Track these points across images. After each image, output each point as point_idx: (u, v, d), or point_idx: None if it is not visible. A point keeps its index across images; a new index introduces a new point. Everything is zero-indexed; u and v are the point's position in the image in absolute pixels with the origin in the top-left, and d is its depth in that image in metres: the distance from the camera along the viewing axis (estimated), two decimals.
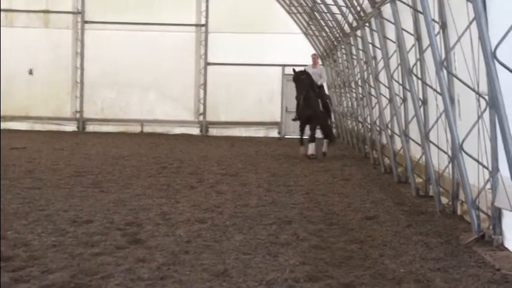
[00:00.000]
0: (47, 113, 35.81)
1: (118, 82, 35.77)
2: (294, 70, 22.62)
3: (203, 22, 36.01)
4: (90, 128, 36.11)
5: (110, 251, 8.92)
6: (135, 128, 35.97)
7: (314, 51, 28.37)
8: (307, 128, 22.79)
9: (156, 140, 30.67)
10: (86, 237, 9.73)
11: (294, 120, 23.43)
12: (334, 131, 27.88)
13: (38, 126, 35.37)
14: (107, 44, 35.39)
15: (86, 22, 35.90)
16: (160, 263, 8.36)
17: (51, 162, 19.88)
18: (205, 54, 36.05)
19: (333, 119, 26.23)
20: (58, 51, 35.73)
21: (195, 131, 36.11)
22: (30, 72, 35.80)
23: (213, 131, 36.11)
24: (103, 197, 13.61)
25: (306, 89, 22.07)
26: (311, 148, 22.37)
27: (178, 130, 35.87)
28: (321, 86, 23.50)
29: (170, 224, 10.96)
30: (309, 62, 23.89)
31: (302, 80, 22.12)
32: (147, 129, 36.00)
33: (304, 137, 23.00)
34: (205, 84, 36.10)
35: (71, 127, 35.93)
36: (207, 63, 36.04)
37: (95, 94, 36.02)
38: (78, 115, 36.12)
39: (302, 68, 22.70)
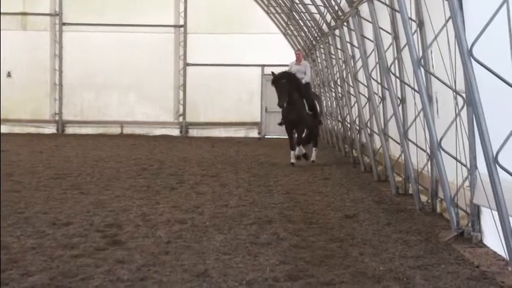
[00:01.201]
0: (25, 115, 35.62)
1: (97, 84, 35.62)
2: (272, 73, 20.73)
3: (182, 23, 35.94)
4: (70, 130, 35.95)
5: (89, 253, 8.90)
6: (115, 130, 35.85)
7: (297, 49, 25.97)
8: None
9: (135, 142, 30.59)
10: (65, 239, 9.70)
11: (280, 124, 21.53)
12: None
13: (17, 129, 35.14)
14: (86, 46, 35.23)
15: (64, 24, 35.73)
16: (140, 264, 8.35)
17: (30, 165, 19.78)
18: (184, 55, 35.98)
19: (322, 121, 23.86)
20: (36, 54, 35.54)
21: (175, 132, 36.05)
22: (9, 75, 35.59)
23: (193, 132, 36.06)
24: (82, 199, 13.57)
25: (287, 93, 20.11)
26: (298, 151, 20.73)
27: (158, 131, 35.78)
28: (307, 84, 21.29)
29: (150, 225, 10.94)
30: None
31: (282, 84, 20.17)
32: (127, 130, 35.89)
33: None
34: (184, 85, 36.04)
35: (50, 129, 35.74)
36: (186, 64, 35.98)
37: (74, 96, 35.86)
38: (57, 117, 35.95)
39: (285, 68, 21.97)
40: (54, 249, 9.05)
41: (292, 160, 20.48)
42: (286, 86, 20.11)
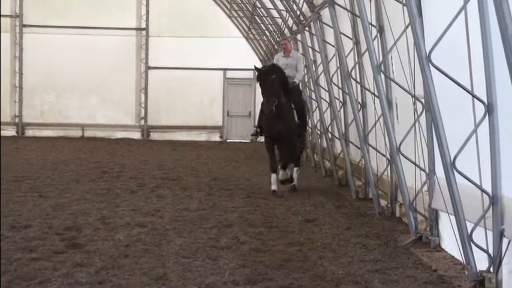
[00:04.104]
0: None
1: (58, 86, 35.37)
2: (256, 68, 15.61)
3: (144, 26, 35.82)
4: (30, 132, 35.64)
5: (48, 256, 8.85)
6: (76, 133, 35.60)
7: (283, 37, 19.04)
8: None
9: (96, 145, 30.42)
10: (24, 242, 9.64)
11: (254, 135, 16.62)
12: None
13: None
14: (47, 48, 34.96)
15: (25, 26, 35.42)
16: (99, 267, 8.31)
17: None
18: (146, 58, 35.85)
19: (308, 135, 19.30)
20: None
21: (136, 135, 35.90)
22: None
23: (155, 135, 35.92)
24: (42, 202, 13.47)
25: (278, 93, 15.00)
26: (282, 174, 15.54)
27: (119, 134, 35.60)
28: (297, 86, 16.14)
29: (110, 228, 10.90)
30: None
31: (272, 81, 14.99)
32: (88, 133, 35.67)
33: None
34: (146, 88, 35.90)
35: (10, 132, 35.35)
36: (148, 67, 35.84)
37: (34, 98, 35.57)
38: (17, 119, 35.62)
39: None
40: (12, 252, 8.99)
41: (274, 186, 15.23)
42: (277, 84, 15.05)
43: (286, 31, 24.08)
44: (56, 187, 15.74)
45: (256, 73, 15.46)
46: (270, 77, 15.00)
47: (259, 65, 17.78)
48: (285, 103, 15.26)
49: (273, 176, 15.39)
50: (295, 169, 15.93)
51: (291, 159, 15.71)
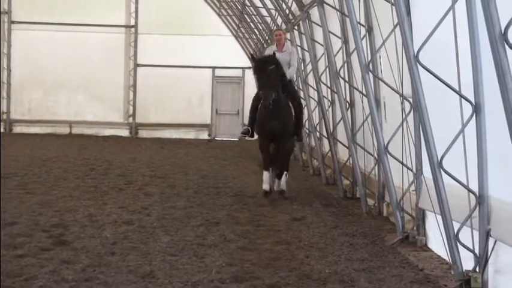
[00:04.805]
0: None
1: (46, 83, 35.26)
2: (252, 57, 14.96)
3: (133, 23, 35.74)
4: (18, 129, 35.51)
5: (34, 253, 8.83)
6: (64, 130, 35.48)
7: (277, 28, 18.08)
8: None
9: (84, 142, 30.35)
10: (9, 239, 9.60)
11: (244, 134, 14.63)
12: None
13: None
14: (35, 45, 34.85)
15: (13, 22, 35.30)
16: (85, 264, 8.30)
17: None
18: (135, 55, 35.77)
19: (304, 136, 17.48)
20: None
21: (125, 132, 35.81)
22: None
23: (143, 133, 35.86)
24: (29, 199, 13.44)
25: (276, 86, 13.55)
26: (278, 185, 14.43)
27: (107, 132, 35.50)
28: (290, 82, 14.55)
29: (97, 225, 10.88)
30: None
31: (270, 72, 13.45)
32: (76, 130, 35.54)
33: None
34: (134, 85, 35.83)
35: None
36: (137, 65, 35.77)
37: (22, 95, 35.44)
38: (4, 116, 35.49)
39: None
40: None
41: (266, 186, 14.14)
42: (275, 75, 13.56)
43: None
44: (43, 184, 15.70)
45: (253, 63, 13.98)
46: (268, 68, 13.43)
47: (251, 59, 16.30)
48: (283, 100, 13.81)
49: (266, 174, 14.16)
50: (284, 173, 14.46)
51: (286, 166, 14.41)
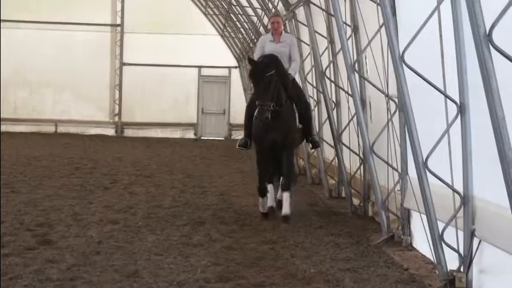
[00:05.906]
0: None
1: (31, 81, 35.16)
2: (249, 60, 11.98)
3: (119, 22, 35.69)
4: (3, 128, 35.21)
5: (18, 252, 8.81)
6: (49, 128, 35.39)
7: (274, 14, 14.39)
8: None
9: (70, 141, 30.26)
10: None
11: (241, 148, 12.29)
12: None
13: None
14: (20, 43, 34.71)
15: None
16: (70, 263, 8.28)
17: None
18: (121, 54, 35.72)
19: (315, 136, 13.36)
20: None
21: (110, 131, 35.74)
22: None
23: (129, 132, 35.79)
24: (14, 198, 13.40)
25: (275, 95, 11.27)
26: (285, 199, 11.89)
27: (93, 131, 35.42)
28: (293, 80, 12.22)
29: (82, 224, 10.86)
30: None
31: (269, 79, 11.21)
32: (61, 129, 35.46)
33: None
34: (120, 84, 35.78)
35: None
36: (123, 64, 35.71)
37: (7, 94, 35.28)
38: None
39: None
40: None
41: (262, 209, 12.16)
42: (275, 82, 11.32)
43: (261, 29, 24.08)
44: (28, 183, 15.66)
45: (250, 67, 11.96)
46: (266, 73, 11.26)
47: (248, 62, 13.31)
48: (285, 107, 11.67)
49: (261, 200, 12.25)
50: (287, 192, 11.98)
51: (288, 185, 12.03)
